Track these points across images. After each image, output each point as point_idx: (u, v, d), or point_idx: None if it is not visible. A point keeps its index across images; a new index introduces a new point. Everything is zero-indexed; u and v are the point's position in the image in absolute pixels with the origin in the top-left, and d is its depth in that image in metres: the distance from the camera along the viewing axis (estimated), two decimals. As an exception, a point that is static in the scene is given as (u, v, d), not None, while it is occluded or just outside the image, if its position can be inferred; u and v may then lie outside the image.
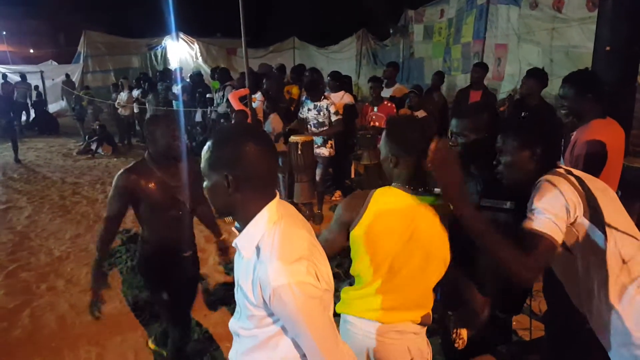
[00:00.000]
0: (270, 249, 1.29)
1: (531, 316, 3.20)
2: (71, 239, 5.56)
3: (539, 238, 1.69)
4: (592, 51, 4.43)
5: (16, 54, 28.36)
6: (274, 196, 1.40)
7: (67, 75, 17.05)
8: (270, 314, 1.35)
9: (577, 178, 1.83)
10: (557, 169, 1.89)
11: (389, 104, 6.01)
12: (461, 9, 10.50)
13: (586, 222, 1.78)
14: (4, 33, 29.68)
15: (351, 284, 1.95)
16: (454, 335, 2.25)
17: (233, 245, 1.42)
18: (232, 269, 4.37)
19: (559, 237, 1.71)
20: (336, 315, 1.95)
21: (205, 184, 1.39)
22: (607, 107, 2.90)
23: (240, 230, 1.41)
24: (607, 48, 5.10)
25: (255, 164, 1.33)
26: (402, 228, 1.77)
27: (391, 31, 13.07)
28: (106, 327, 3.65)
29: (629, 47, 5.05)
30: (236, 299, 1.48)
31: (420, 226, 1.76)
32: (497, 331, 2.56)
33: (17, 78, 16.66)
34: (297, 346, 1.39)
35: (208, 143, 1.38)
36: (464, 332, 2.24)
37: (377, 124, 5.86)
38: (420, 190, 1.81)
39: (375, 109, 6.00)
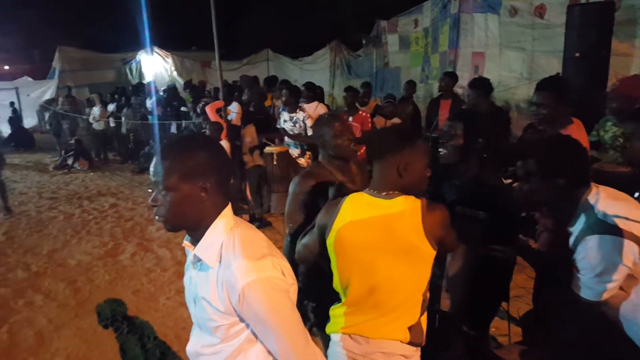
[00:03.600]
0: (233, 251, 1.32)
1: (509, 321, 3.19)
2: (48, 254, 5.56)
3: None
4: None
5: (-11, 70, 27.92)
6: (228, 203, 1.43)
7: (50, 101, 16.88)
8: (241, 319, 1.35)
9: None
10: (592, 195, 1.83)
11: (364, 114, 6.08)
12: (435, 18, 10.67)
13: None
14: (-23, 49, 29.21)
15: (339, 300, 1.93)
16: None
17: (191, 257, 1.41)
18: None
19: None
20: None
21: (170, 197, 1.32)
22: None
23: (192, 242, 1.41)
24: (577, 54, 5.33)
25: (223, 168, 1.39)
26: (374, 234, 1.75)
27: (364, 42, 13.24)
28: (84, 342, 3.68)
29: (597, 52, 5.26)
30: (192, 317, 1.47)
31: (395, 231, 1.73)
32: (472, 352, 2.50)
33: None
34: (266, 354, 1.39)
35: (170, 155, 1.34)
36: None
37: None
38: (391, 193, 1.79)
39: (350, 118, 6.08)
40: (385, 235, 1.74)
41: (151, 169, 1.39)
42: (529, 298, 3.08)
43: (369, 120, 6.00)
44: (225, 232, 1.37)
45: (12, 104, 16.83)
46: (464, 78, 9.53)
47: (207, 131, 6.08)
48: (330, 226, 1.83)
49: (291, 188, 2.45)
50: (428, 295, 1.86)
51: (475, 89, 4.45)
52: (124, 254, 5.46)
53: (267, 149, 5.80)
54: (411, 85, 7.89)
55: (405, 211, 1.74)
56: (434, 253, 1.76)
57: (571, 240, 1.84)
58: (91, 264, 5.21)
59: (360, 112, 6.10)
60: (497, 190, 2.51)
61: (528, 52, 8.06)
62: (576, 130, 2.91)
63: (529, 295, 3.01)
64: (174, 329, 3.81)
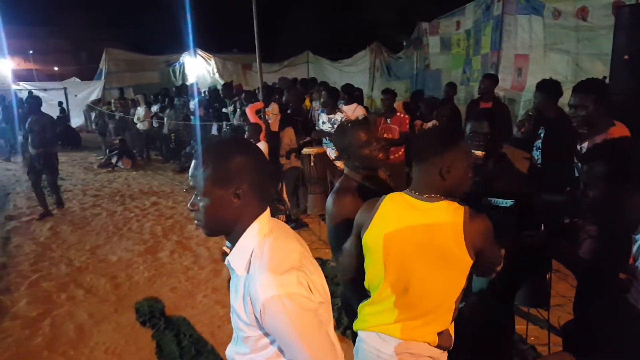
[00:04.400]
0: (259, 261, 1.26)
1: (550, 330, 3.13)
2: (91, 250, 5.70)
3: None
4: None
5: (42, 71, 29.27)
6: (265, 208, 1.37)
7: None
8: (266, 334, 1.30)
9: None
10: None
11: (402, 115, 5.99)
12: (478, 20, 10.51)
13: None
14: (31, 52, 30.65)
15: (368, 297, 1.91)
16: None
17: (225, 263, 1.39)
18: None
19: None
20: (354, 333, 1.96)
21: (203, 203, 1.31)
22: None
23: (231, 248, 1.38)
24: (626, 57, 5.09)
25: (258, 172, 1.33)
26: (414, 236, 1.72)
27: (404, 44, 13.13)
28: (122, 337, 3.75)
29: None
30: (232, 323, 1.43)
31: (435, 236, 1.70)
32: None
33: (43, 94, 17.20)
34: None
35: (203, 160, 1.32)
36: None
37: (389, 135, 5.85)
38: (433, 197, 1.76)
39: (388, 120, 5.99)
40: (425, 238, 1.71)
41: (190, 172, 1.36)
42: (570, 307, 2.96)
43: (407, 122, 5.90)
44: (257, 240, 1.32)
45: (60, 103, 17.58)
46: (507, 80, 9.32)
47: (247, 132, 6.11)
48: (368, 224, 1.81)
49: (329, 209, 2.27)
50: (458, 306, 1.82)
51: (542, 91, 4.20)
52: (163, 252, 5.55)
53: (305, 150, 5.78)
54: (452, 87, 7.75)
55: (447, 217, 1.70)
56: (470, 262, 1.71)
57: (634, 248, 1.77)
58: (131, 260, 5.32)
59: (399, 114, 6.00)
60: (519, 179, 2.47)
61: (572, 55, 7.86)
62: (618, 134, 2.77)
63: (570, 304, 2.90)
64: (209, 326, 3.83)
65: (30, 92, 16.67)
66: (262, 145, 5.82)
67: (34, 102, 7.44)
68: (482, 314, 2.26)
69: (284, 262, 1.25)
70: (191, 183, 1.34)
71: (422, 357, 1.76)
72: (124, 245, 5.82)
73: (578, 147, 3.05)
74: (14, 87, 18.23)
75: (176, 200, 7.94)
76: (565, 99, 6.40)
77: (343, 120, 5.67)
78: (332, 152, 5.80)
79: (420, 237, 1.71)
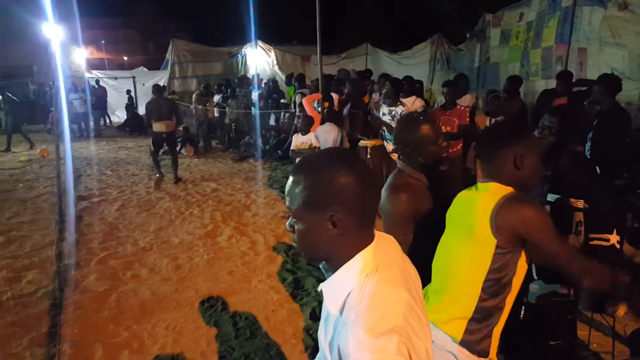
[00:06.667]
0: (356, 310, 1.03)
1: (614, 338, 2.99)
2: (155, 232, 5.99)
3: None
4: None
5: (112, 61, 30.73)
6: (372, 238, 1.15)
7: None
8: None
9: None
10: None
11: (462, 108, 5.76)
12: (542, 11, 10.10)
13: None
14: (103, 42, 32.24)
15: None
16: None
17: (318, 289, 1.20)
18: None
19: None
20: None
21: (298, 227, 1.14)
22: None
23: (325, 271, 1.21)
24: None
25: (362, 196, 1.09)
26: (455, 209, 1.85)
27: (467, 35, 12.80)
28: (182, 315, 3.92)
29: None
30: (318, 338, 1.25)
31: (469, 208, 1.78)
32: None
33: (113, 82, 18.22)
34: None
35: (294, 178, 1.14)
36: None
37: (448, 128, 5.65)
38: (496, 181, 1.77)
39: (448, 112, 5.74)
40: (461, 211, 1.81)
41: (286, 189, 1.18)
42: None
43: (467, 114, 5.71)
44: (357, 279, 1.08)
45: (128, 91, 18.45)
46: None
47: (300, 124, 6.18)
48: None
49: (383, 206, 2.14)
50: (495, 303, 1.71)
51: (600, 85, 4.16)
52: (222, 236, 5.75)
53: (362, 143, 5.80)
54: (517, 81, 7.42)
55: (487, 194, 1.73)
56: (493, 241, 1.65)
57: None
58: (192, 243, 5.55)
59: (459, 107, 5.78)
60: (592, 179, 2.39)
61: (631, 50, 7.39)
62: None
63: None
64: (263, 310, 3.95)
65: (97, 81, 17.78)
66: (312, 137, 5.88)
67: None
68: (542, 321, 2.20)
69: (385, 319, 1.01)
70: (287, 203, 1.16)
71: (444, 352, 1.72)
72: (185, 229, 6.07)
73: None
74: (87, 75, 19.31)
75: (235, 188, 8.18)
76: (624, 97, 6.08)
77: (403, 112, 5.60)
78: (389, 145, 5.78)
79: (458, 211, 1.82)
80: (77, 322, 3.85)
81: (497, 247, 1.65)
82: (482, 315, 1.71)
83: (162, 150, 8.91)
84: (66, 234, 5.92)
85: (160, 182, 8.36)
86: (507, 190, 1.71)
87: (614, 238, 2.15)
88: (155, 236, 5.83)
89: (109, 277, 4.69)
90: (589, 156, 3.83)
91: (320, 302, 4.01)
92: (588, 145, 3.91)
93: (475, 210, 1.72)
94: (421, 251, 1.85)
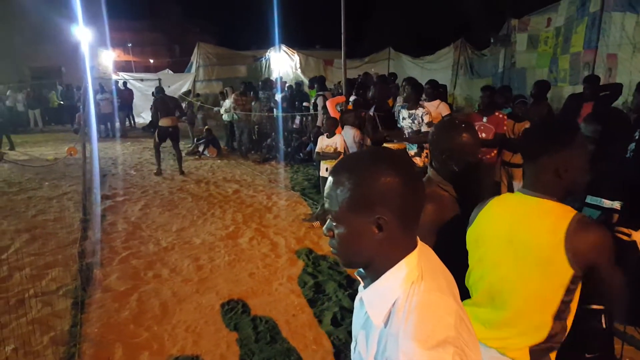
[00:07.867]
0: (405, 321, 0.97)
1: None
2: (177, 232, 6.01)
3: None
4: None
5: (139, 63, 31.22)
6: (416, 244, 1.10)
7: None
8: None
9: None
10: None
11: (500, 115, 5.52)
12: (571, 17, 9.92)
13: None
14: (130, 45, 32.79)
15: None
16: None
17: (357, 298, 1.17)
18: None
19: None
20: None
21: (339, 231, 1.08)
22: None
23: (363, 278, 1.16)
24: None
25: (409, 197, 1.04)
26: (507, 228, 1.66)
27: (492, 40, 12.65)
28: (202, 317, 3.91)
29: None
30: (354, 351, 1.18)
31: (530, 232, 1.60)
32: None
33: (139, 84, 18.51)
34: None
35: (336, 178, 1.07)
36: None
37: (484, 135, 5.41)
38: (543, 195, 1.65)
39: (485, 119, 5.53)
40: (519, 233, 1.63)
41: (325, 191, 1.12)
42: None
43: (505, 122, 5.54)
44: (403, 287, 1.03)
45: (154, 93, 18.67)
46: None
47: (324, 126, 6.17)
48: (473, 218, 1.78)
49: None
50: (561, 326, 1.65)
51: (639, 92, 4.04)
52: (243, 238, 5.75)
53: (385, 145, 5.74)
54: (544, 86, 7.26)
55: (550, 217, 1.59)
56: (570, 272, 1.55)
57: None
58: (214, 244, 5.56)
59: (497, 114, 5.54)
60: (630, 180, 2.28)
61: None
62: None
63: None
64: (284, 314, 3.91)
65: (124, 83, 18.04)
66: (338, 139, 5.86)
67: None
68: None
69: (437, 330, 0.95)
70: (326, 205, 1.10)
71: None
72: (207, 229, 6.09)
73: None
74: (114, 76, 19.67)
75: (256, 190, 8.19)
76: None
77: (423, 114, 5.49)
78: (411, 150, 5.70)
79: (515, 231, 1.63)
80: (98, 321, 3.86)
81: (573, 276, 1.57)
82: (549, 339, 1.66)
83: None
84: (90, 232, 6.00)
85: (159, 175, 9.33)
86: (569, 212, 1.59)
87: (636, 236, 2.07)
88: (177, 236, 5.85)
89: (130, 276, 4.71)
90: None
91: (341, 308, 3.96)
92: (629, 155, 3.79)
93: (542, 235, 1.58)
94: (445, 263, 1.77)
